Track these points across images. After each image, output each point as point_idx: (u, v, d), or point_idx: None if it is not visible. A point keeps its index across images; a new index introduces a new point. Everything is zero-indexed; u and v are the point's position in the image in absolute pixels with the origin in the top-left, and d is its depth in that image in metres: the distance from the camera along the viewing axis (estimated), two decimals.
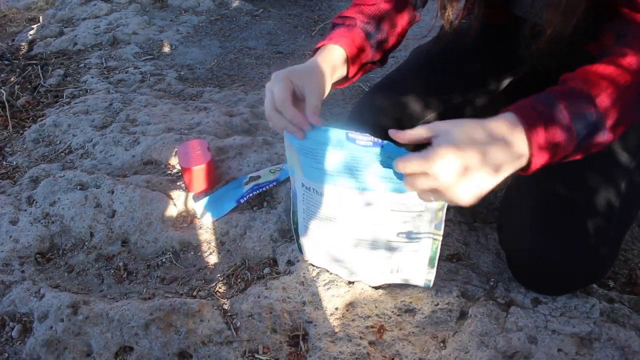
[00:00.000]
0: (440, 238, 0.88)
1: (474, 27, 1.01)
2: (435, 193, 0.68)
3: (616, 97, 0.70)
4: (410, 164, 0.67)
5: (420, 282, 0.96)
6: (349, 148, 0.79)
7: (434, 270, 0.93)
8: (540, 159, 0.69)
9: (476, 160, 0.65)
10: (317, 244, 0.96)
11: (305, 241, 0.99)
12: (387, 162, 0.78)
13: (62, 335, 0.91)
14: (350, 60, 0.93)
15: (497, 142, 0.67)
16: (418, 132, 0.71)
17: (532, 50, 0.96)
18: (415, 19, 1.04)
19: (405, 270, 0.94)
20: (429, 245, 0.90)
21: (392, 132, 0.73)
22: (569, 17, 0.79)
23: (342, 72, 0.93)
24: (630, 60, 0.72)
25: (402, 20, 1.01)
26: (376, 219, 0.87)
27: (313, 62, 0.88)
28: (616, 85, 0.71)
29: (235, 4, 2.66)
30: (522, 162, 0.70)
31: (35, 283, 1.03)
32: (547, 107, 0.69)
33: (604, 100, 0.70)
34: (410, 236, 0.89)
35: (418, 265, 0.93)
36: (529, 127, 0.68)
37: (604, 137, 0.72)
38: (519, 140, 0.68)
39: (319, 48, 0.93)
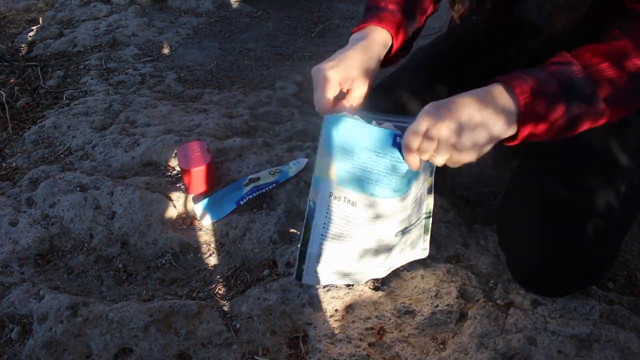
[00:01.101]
0: (432, 205, 0.94)
1: (483, 22, 1.00)
2: (442, 151, 0.72)
3: (603, 68, 0.72)
4: (407, 136, 0.72)
5: (418, 255, 1.00)
6: (391, 152, 0.78)
7: (428, 237, 0.97)
8: (525, 102, 0.72)
9: (458, 108, 0.71)
10: (332, 259, 0.91)
11: (316, 258, 0.92)
12: None
13: (62, 337, 0.91)
14: (393, 42, 0.92)
15: (480, 95, 0.73)
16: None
17: (532, 50, 0.96)
18: (435, 9, 1.04)
19: (407, 251, 0.97)
20: (424, 221, 0.95)
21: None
22: (571, 17, 0.79)
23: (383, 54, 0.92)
24: (624, 42, 0.73)
25: (428, 8, 1.01)
26: (404, 216, 0.88)
27: (357, 48, 0.86)
28: (604, 60, 0.73)
29: (235, 5, 2.66)
30: (510, 117, 0.72)
31: (35, 284, 1.03)
32: (534, 70, 0.74)
33: (594, 69, 0.72)
34: (417, 218, 0.92)
35: (417, 242, 0.97)
36: (510, 80, 0.72)
37: (597, 105, 0.73)
38: (502, 93, 0.72)
39: (359, 29, 0.91)
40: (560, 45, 0.81)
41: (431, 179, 0.91)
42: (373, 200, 0.82)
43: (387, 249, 0.90)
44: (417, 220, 0.92)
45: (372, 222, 0.85)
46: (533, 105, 0.71)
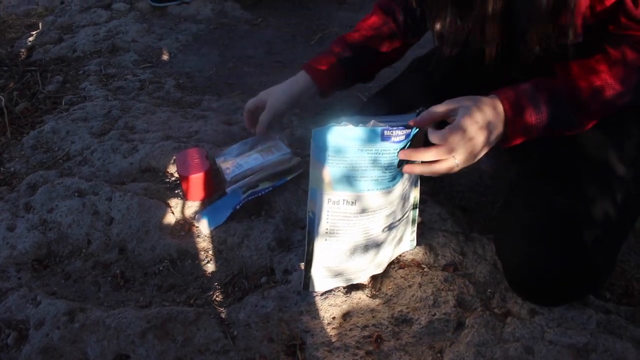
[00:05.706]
0: (418, 197, 1.00)
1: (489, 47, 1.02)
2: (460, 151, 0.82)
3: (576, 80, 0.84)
4: (444, 134, 0.81)
5: (407, 247, 1.04)
6: (382, 147, 0.81)
7: (415, 228, 1.03)
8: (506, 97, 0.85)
9: (482, 115, 0.83)
10: (337, 263, 0.94)
11: (322, 266, 0.94)
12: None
13: (58, 343, 0.91)
14: (319, 85, 1.17)
15: (485, 103, 0.85)
16: (437, 110, 0.84)
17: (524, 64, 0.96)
18: (408, 46, 1.21)
19: (395, 245, 1.00)
20: (410, 213, 1.00)
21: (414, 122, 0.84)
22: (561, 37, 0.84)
23: (312, 91, 1.19)
24: (598, 57, 0.83)
25: (388, 47, 1.17)
26: (389, 211, 0.90)
27: (284, 86, 1.21)
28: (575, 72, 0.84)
29: (234, 13, 2.67)
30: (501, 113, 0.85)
31: (32, 290, 1.03)
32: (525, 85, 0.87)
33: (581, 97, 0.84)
34: (402, 214, 0.96)
35: (404, 235, 1.01)
36: (499, 93, 0.86)
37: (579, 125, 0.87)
38: (497, 105, 0.85)
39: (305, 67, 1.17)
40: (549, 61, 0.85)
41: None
42: (367, 196, 0.86)
43: (376, 244, 0.93)
44: (402, 216, 0.96)
45: (360, 216, 0.88)
46: (522, 120, 0.84)
